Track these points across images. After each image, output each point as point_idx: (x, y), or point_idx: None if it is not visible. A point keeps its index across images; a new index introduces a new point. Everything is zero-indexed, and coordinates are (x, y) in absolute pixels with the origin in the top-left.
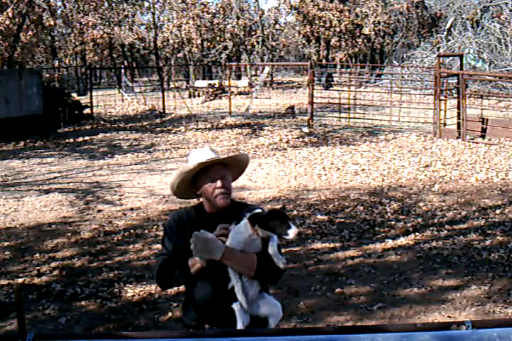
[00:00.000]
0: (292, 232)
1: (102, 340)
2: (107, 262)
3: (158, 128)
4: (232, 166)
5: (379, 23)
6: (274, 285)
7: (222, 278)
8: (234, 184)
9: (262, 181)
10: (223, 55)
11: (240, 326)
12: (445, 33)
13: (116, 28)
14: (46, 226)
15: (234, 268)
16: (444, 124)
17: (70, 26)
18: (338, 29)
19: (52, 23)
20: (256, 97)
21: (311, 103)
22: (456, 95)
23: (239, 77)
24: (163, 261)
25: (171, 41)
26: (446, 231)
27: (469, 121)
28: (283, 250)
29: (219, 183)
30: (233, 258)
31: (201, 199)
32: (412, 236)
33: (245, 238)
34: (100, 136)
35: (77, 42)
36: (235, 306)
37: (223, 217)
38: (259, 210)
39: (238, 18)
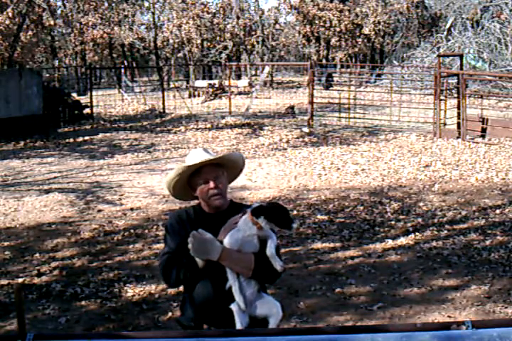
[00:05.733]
0: (295, 226)
1: (102, 340)
2: (107, 262)
3: (158, 128)
4: (227, 166)
5: (379, 23)
6: (272, 285)
7: (221, 278)
8: (234, 184)
9: (262, 181)
10: (223, 55)
11: (238, 327)
12: (445, 33)
13: (116, 28)
14: (46, 226)
15: (231, 268)
16: (444, 124)
17: (70, 26)
18: (338, 29)
19: (52, 23)
20: (256, 97)
21: (311, 103)
22: (456, 95)
23: (239, 77)
24: (167, 259)
25: (171, 41)
26: (446, 231)
27: (469, 121)
28: (283, 250)
29: (212, 184)
30: (230, 259)
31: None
32: (412, 236)
33: (243, 236)
34: (100, 135)
35: (77, 42)
36: (233, 307)
37: (222, 217)
38: (258, 204)
39: (238, 18)
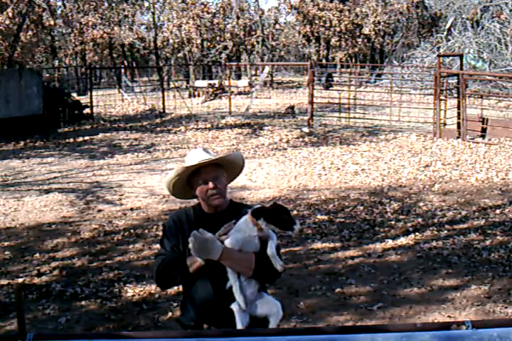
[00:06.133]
0: (297, 228)
1: (102, 340)
2: (107, 262)
3: (158, 128)
4: (227, 166)
5: (379, 23)
6: (272, 285)
7: (222, 277)
8: (234, 184)
9: (262, 181)
10: (223, 55)
11: (239, 327)
12: (445, 33)
13: (116, 28)
14: (46, 226)
15: (232, 268)
16: (444, 124)
17: (70, 26)
18: (338, 29)
19: (52, 23)
20: (256, 97)
21: (311, 103)
22: (456, 95)
23: (239, 77)
24: (161, 261)
25: (171, 41)
26: (446, 231)
27: (469, 121)
28: (283, 250)
29: (211, 184)
30: (231, 259)
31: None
32: (412, 236)
33: (244, 236)
34: (100, 135)
35: (77, 42)
36: (234, 307)
37: (222, 217)
38: (259, 206)
39: (238, 18)
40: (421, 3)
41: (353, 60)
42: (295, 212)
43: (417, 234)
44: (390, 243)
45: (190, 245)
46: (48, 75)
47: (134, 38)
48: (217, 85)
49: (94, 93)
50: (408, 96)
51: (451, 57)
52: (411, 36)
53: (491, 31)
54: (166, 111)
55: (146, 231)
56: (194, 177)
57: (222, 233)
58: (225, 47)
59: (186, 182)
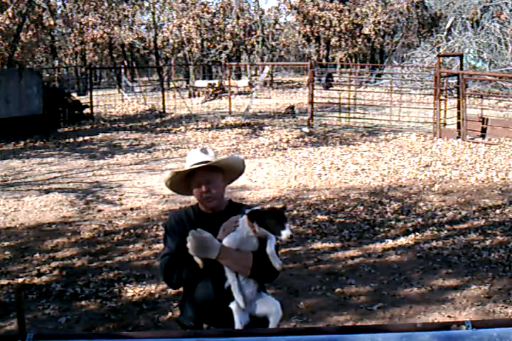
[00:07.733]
0: (285, 234)
1: (102, 340)
2: (107, 262)
3: (158, 128)
4: (223, 169)
5: (379, 22)
6: (272, 284)
7: (221, 277)
8: (234, 184)
9: (262, 181)
10: (223, 55)
11: (238, 326)
12: (445, 32)
13: (116, 28)
14: (46, 226)
15: (230, 267)
16: (444, 124)
17: (70, 26)
18: (338, 29)
19: (52, 23)
20: (256, 97)
21: (311, 103)
22: (456, 95)
23: (239, 77)
24: (168, 260)
25: (171, 41)
26: (446, 231)
27: (469, 121)
28: (283, 250)
29: (203, 188)
30: (229, 258)
31: None
32: (412, 236)
33: (242, 236)
34: (100, 135)
35: (77, 42)
36: (233, 306)
37: (220, 217)
38: (258, 208)
39: (238, 18)
40: (421, 3)
41: (353, 60)
42: (295, 212)
43: (417, 234)
44: (390, 243)
45: (189, 244)
46: (48, 75)
47: (134, 38)
48: (217, 85)
49: (94, 93)
50: (408, 96)
51: (451, 57)
52: (411, 36)
53: (491, 31)
54: (166, 111)
55: (146, 231)
56: (190, 178)
57: (222, 235)
58: (225, 47)
59: (185, 181)
